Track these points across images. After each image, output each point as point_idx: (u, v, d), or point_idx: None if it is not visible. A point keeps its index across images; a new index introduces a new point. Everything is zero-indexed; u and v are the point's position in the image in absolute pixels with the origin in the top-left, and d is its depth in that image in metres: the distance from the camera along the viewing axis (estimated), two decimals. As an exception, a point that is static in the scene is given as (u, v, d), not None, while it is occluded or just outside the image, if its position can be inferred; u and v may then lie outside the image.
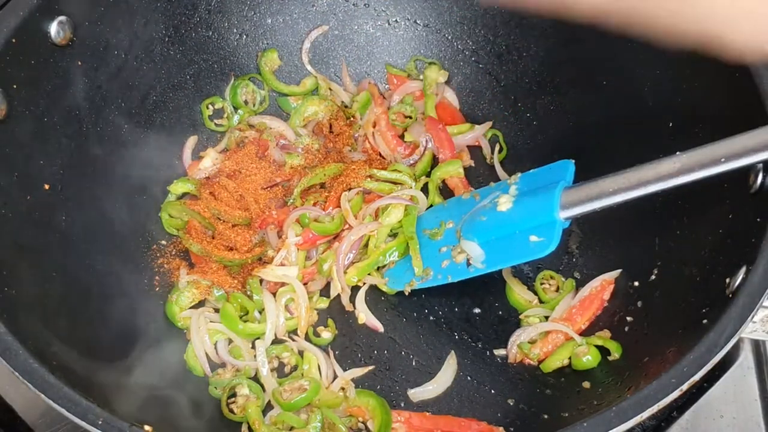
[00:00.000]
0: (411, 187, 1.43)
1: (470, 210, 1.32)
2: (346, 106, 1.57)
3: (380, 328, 1.34)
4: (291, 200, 1.42)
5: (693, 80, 1.20)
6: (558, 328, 1.27)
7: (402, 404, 1.25)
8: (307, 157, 1.46)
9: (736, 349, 1.31)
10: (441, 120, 1.54)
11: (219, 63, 1.51)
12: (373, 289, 1.38)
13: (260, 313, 1.32)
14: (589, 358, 1.22)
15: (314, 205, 1.40)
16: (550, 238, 1.17)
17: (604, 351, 1.22)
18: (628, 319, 1.24)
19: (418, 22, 1.57)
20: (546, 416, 1.18)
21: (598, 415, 0.88)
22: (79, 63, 1.24)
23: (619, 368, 1.18)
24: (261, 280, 1.35)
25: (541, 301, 1.35)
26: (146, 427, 0.89)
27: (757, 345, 1.32)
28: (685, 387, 0.89)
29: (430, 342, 1.32)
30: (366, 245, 1.38)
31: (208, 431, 1.20)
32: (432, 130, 1.52)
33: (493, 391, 1.26)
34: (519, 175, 1.32)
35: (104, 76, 1.30)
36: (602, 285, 1.30)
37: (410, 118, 1.55)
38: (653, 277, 1.23)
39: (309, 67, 1.58)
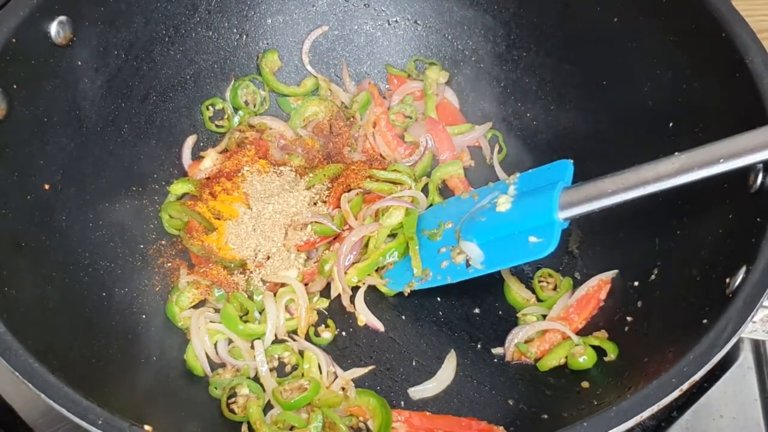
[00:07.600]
0: (411, 188, 1.43)
1: (469, 210, 1.32)
2: (346, 107, 1.57)
3: (381, 328, 1.34)
4: (291, 200, 1.42)
5: (693, 80, 1.20)
6: (555, 327, 1.27)
7: (402, 404, 1.25)
8: (307, 157, 1.46)
9: (736, 349, 1.31)
10: (441, 120, 1.54)
11: (219, 63, 1.51)
12: (373, 289, 1.38)
13: (260, 313, 1.32)
14: (585, 359, 1.22)
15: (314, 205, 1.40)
16: (549, 239, 1.17)
17: (600, 351, 1.22)
18: (628, 318, 1.24)
19: (418, 22, 1.57)
20: (546, 416, 1.18)
21: (598, 415, 0.88)
22: (79, 63, 1.24)
23: (618, 368, 1.18)
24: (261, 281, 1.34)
25: (539, 300, 1.35)
26: (146, 427, 0.89)
27: (757, 345, 1.32)
28: (685, 387, 0.89)
29: (430, 342, 1.32)
30: (366, 246, 1.38)
31: (208, 431, 1.20)
32: (432, 131, 1.52)
33: (493, 391, 1.26)
34: (518, 174, 1.32)
35: (104, 76, 1.30)
36: (599, 284, 1.30)
37: (410, 118, 1.55)
38: (653, 277, 1.23)
39: (309, 68, 1.58)
